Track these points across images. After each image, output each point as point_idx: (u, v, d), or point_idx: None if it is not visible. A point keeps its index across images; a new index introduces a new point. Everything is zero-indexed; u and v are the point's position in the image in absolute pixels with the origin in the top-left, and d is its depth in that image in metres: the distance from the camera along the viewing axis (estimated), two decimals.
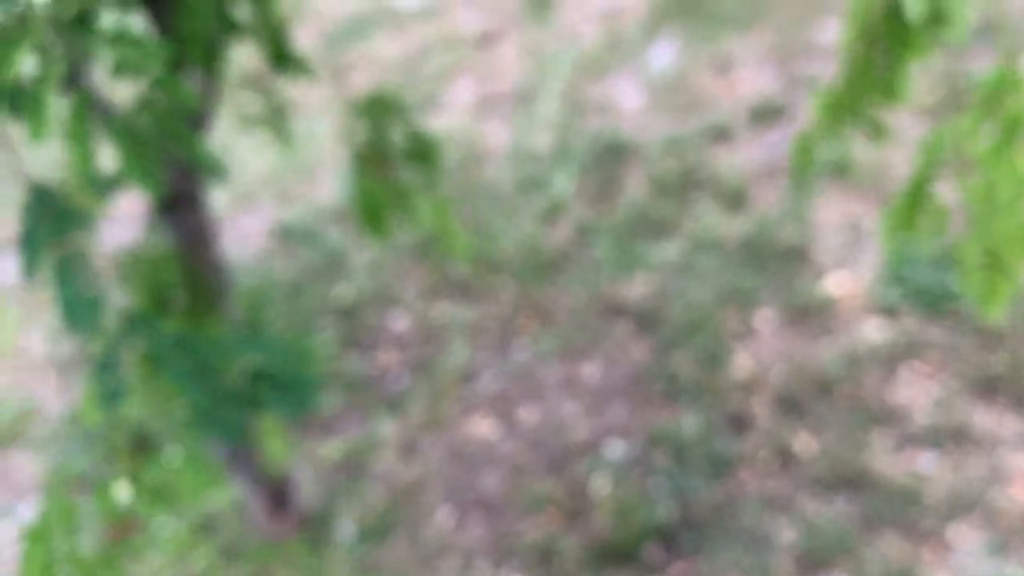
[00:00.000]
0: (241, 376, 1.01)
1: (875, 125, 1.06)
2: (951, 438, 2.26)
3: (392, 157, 1.38)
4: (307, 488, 2.49)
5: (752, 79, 3.50)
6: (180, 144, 1.05)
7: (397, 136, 1.41)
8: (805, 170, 1.07)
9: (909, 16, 0.93)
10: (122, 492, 1.36)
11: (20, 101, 0.99)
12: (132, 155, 1.02)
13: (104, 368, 1.05)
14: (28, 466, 2.73)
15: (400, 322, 2.92)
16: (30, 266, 1.04)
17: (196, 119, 1.39)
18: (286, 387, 1.02)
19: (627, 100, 3.58)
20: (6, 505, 2.62)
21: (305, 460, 2.56)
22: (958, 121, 0.98)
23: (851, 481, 2.23)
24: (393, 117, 1.41)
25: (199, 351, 0.98)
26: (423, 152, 1.42)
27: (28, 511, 2.58)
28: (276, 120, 1.67)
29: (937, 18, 0.94)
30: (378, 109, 1.38)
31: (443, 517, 2.39)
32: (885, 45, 0.98)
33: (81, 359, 3.00)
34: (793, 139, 1.07)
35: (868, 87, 1.00)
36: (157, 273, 1.41)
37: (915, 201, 1.04)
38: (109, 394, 1.03)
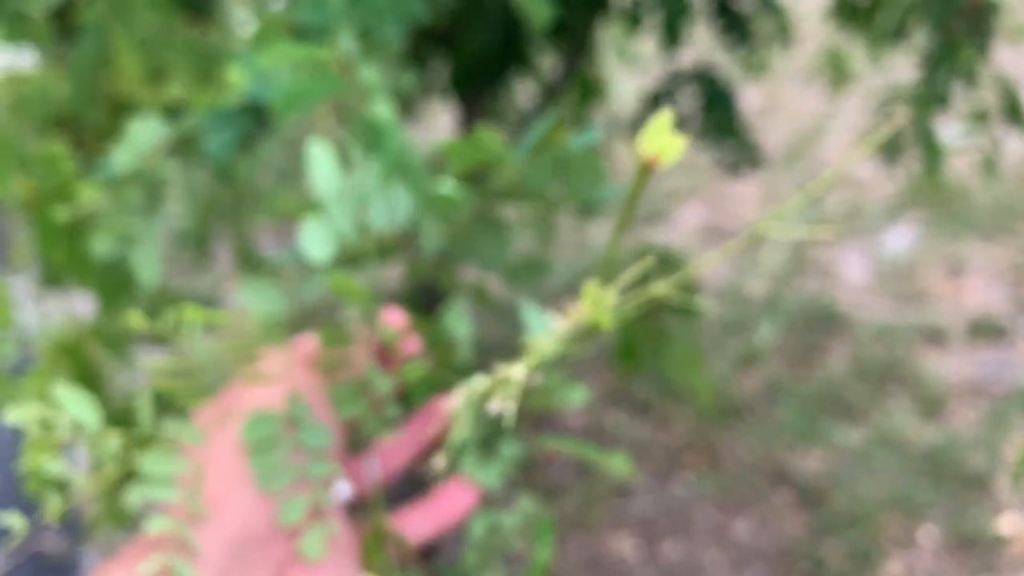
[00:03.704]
0: None
1: None
2: None
3: (663, 308, 1.49)
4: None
5: (981, 290, 3.48)
6: None
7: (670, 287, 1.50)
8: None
9: None
10: None
11: None
12: None
13: None
14: None
15: (577, 419, 3.02)
16: None
17: None
18: None
19: (852, 273, 3.62)
20: None
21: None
22: None
23: None
24: (673, 271, 1.50)
25: None
26: (689, 307, 1.52)
27: None
28: None
29: None
30: (663, 263, 1.48)
31: None
32: None
33: None
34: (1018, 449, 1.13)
35: None
36: None
37: None
38: None
